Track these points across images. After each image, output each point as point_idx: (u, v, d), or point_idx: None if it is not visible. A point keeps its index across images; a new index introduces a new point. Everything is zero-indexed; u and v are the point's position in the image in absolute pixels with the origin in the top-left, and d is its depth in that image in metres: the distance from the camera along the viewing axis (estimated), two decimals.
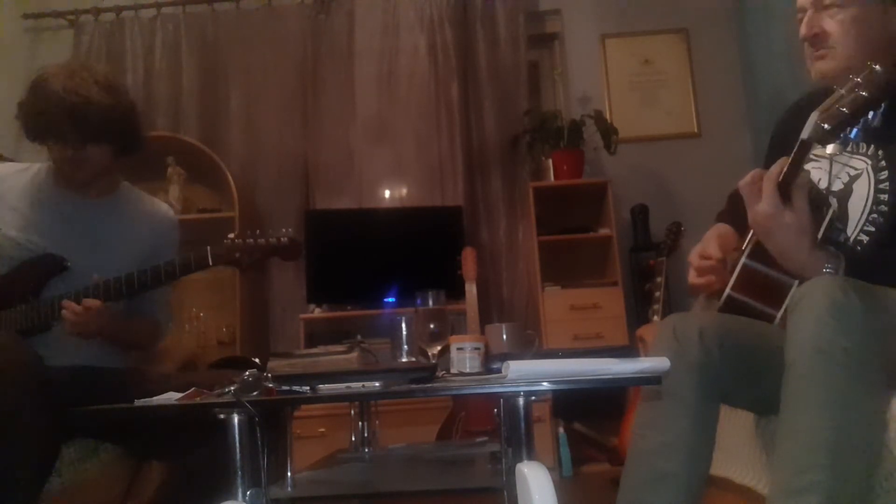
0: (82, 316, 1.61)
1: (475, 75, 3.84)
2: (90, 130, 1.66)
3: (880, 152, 1.33)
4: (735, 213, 1.60)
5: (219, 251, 1.69)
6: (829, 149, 1.39)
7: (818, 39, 1.39)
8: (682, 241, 3.09)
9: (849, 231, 1.34)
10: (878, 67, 1.12)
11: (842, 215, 1.35)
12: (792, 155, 1.21)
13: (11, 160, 3.26)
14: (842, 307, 1.05)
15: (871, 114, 1.30)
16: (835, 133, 1.17)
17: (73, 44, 3.88)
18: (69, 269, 1.72)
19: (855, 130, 1.35)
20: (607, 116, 3.67)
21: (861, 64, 1.31)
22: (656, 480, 1.20)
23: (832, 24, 1.37)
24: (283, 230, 1.73)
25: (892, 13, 1.35)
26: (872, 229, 1.31)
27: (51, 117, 1.64)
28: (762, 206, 1.24)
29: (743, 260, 1.34)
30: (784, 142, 1.54)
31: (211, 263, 1.69)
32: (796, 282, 1.27)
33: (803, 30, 1.41)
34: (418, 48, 3.84)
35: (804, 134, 1.18)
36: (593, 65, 3.95)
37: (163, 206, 1.99)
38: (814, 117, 1.17)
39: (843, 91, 1.16)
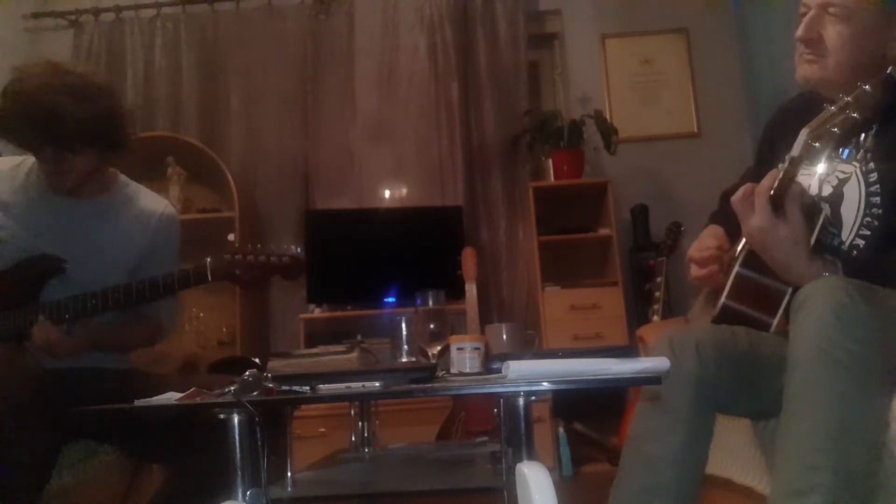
0: (47, 343, 1.60)
1: (475, 75, 3.83)
2: (64, 142, 1.60)
3: (868, 155, 1.33)
4: (727, 213, 1.60)
5: (218, 266, 1.65)
6: (820, 168, 1.38)
7: (813, 44, 1.38)
8: (682, 241, 3.10)
9: (843, 236, 1.34)
10: (868, 88, 1.11)
11: (835, 220, 1.35)
12: (782, 170, 1.21)
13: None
14: (845, 308, 1.06)
15: (862, 136, 1.29)
16: (825, 152, 1.16)
17: (73, 44, 3.88)
18: (66, 270, 1.70)
19: (846, 151, 1.34)
20: (607, 116, 3.67)
21: (847, 79, 1.31)
22: (647, 493, 1.21)
23: (831, 33, 1.35)
24: (286, 247, 1.68)
25: (885, 36, 1.34)
26: (868, 233, 1.31)
27: (22, 131, 1.59)
28: (756, 220, 1.23)
29: (736, 268, 1.34)
30: (771, 149, 1.55)
31: (210, 279, 1.65)
32: (790, 289, 1.27)
33: (801, 30, 1.40)
34: (418, 48, 3.84)
35: (794, 151, 1.17)
36: (593, 65, 3.95)
37: (161, 201, 1.94)
38: (804, 134, 1.16)
39: (833, 109, 1.15)
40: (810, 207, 1.28)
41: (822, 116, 1.16)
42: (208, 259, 1.65)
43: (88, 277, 1.70)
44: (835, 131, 1.12)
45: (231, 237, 3.29)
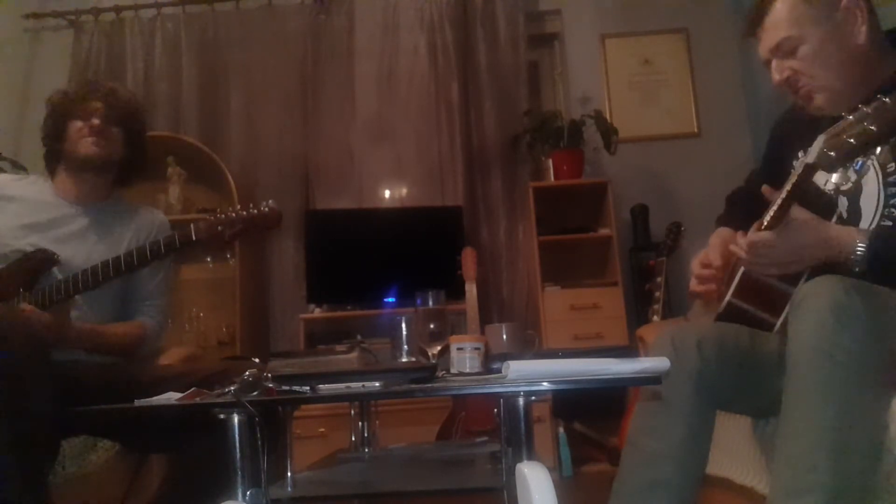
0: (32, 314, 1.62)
1: (475, 75, 3.83)
2: (116, 110, 1.87)
3: (885, 146, 1.33)
4: (734, 215, 1.60)
5: (202, 226, 1.71)
6: (834, 178, 1.38)
7: (791, 82, 1.41)
8: (682, 241, 3.09)
9: (863, 226, 1.33)
10: (887, 100, 1.10)
11: (854, 212, 1.34)
12: (796, 177, 1.21)
13: (11, 160, 3.27)
14: (844, 307, 1.06)
15: (878, 149, 1.29)
16: (840, 162, 1.15)
17: (73, 44, 3.88)
18: (61, 265, 1.74)
19: (860, 163, 1.34)
20: (607, 116, 3.67)
21: (847, 83, 1.34)
22: (648, 488, 1.21)
23: (798, 63, 1.38)
24: (264, 203, 1.77)
25: (842, 32, 1.35)
26: (889, 224, 1.30)
27: (85, 95, 1.86)
28: (771, 269, 1.25)
29: (744, 267, 1.34)
30: (779, 149, 1.55)
31: (194, 238, 1.70)
32: (795, 290, 1.27)
33: (775, 77, 1.43)
34: (418, 48, 3.84)
35: (809, 157, 1.17)
36: (593, 65, 3.95)
37: (155, 209, 2.07)
38: (820, 141, 1.16)
39: (851, 119, 1.14)
40: (825, 205, 1.29)
41: (840, 125, 1.15)
42: (192, 223, 1.72)
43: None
44: (851, 142, 1.11)
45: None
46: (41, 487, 1.42)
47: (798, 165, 1.24)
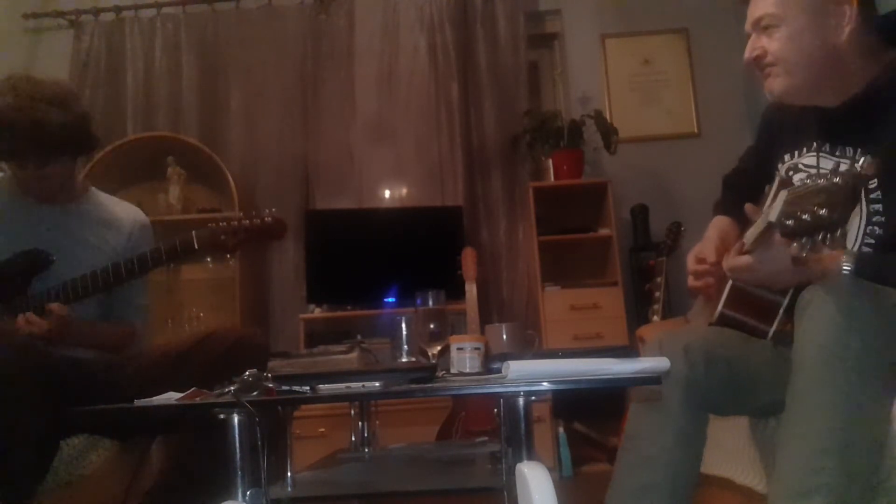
0: (42, 324, 1.61)
1: (475, 75, 3.83)
2: (47, 151, 1.65)
3: (865, 157, 1.31)
4: (732, 200, 1.59)
5: (204, 234, 1.69)
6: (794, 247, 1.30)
7: (759, 61, 1.41)
8: (682, 241, 3.09)
9: (848, 246, 1.33)
10: (837, 180, 0.98)
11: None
12: (762, 228, 1.18)
13: None
14: (851, 308, 1.05)
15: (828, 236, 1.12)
16: (795, 234, 1.03)
17: (72, 44, 3.88)
18: (51, 268, 1.72)
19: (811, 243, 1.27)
20: (607, 116, 3.67)
21: (810, 79, 1.34)
22: (641, 492, 1.21)
23: (771, 43, 1.37)
24: (266, 211, 1.74)
25: (824, 26, 1.33)
26: (872, 241, 1.29)
27: (5, 142, 1.62)
28: (742, 271, 1.23)
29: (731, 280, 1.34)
30: (770, 133, 1.56)
31: (196, 247, 1.68)
32: (786, 300, 1.27)
33: (746, 53, 1.43)
34: (418, 48, 3.84)
35: (772, 214, 1.07)
36: (593, 65, 3.95)
37: (132, 207, 1.98)
38: (781, 201, 1.05)
39: (810, 187, 1.01)
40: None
41: (800, 190, 1.03)
42: (194, 230, 1.69)
43: (67, 279, 1.72)
44: (805, 219, 1.00)
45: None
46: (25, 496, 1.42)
47: (765, 211, 1.20)
